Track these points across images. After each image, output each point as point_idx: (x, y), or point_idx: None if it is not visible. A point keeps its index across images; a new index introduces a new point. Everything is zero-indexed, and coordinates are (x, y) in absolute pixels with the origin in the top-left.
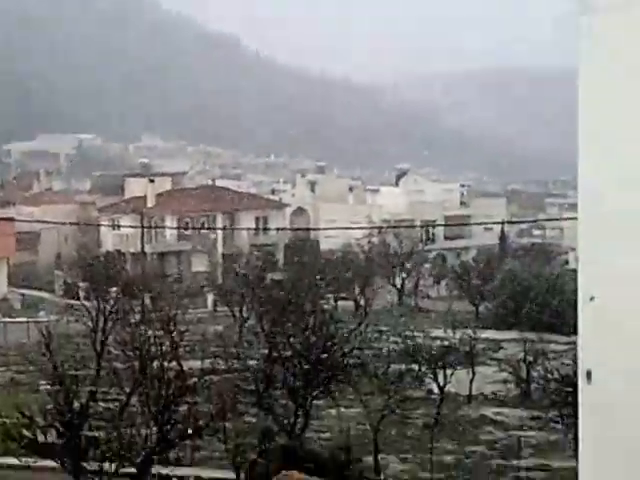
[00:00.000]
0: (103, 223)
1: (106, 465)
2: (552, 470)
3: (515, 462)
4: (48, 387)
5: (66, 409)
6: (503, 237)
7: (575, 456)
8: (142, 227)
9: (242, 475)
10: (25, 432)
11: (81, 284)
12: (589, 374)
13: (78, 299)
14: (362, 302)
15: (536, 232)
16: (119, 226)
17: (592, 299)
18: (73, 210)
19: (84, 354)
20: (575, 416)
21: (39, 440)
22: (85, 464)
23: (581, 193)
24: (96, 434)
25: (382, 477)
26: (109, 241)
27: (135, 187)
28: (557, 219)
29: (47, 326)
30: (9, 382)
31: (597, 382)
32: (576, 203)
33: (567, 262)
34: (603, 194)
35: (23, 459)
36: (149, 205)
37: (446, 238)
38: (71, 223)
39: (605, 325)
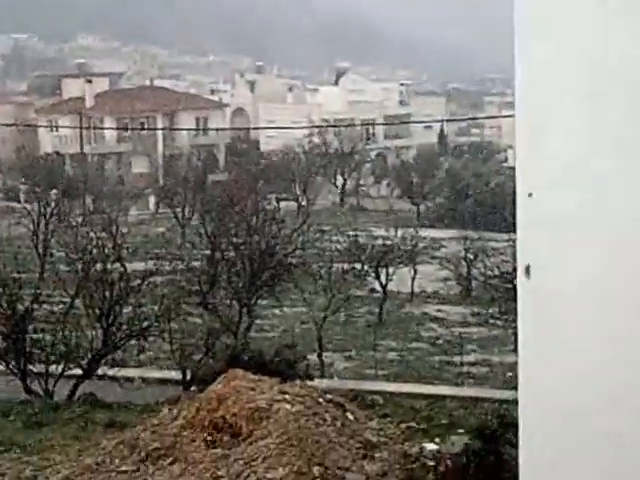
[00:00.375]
0: (41, 124)
1: (52, 367)
2: (493, 365)
3: (457, 358)
4: None
5: (10, 312)
6: (442, 136)
7: (515, 351)
8: (81, 128)
9: (188, 375)
10: None
11: (21, 186)
12: (528, 269)
13: (19, 202)
14: (304, 202)
15: (475, 131)
16: (57, 127)
17: (530, 195)
18: (10, 111)
19: (26, 257)
20: (515, 312)
21: None
22: (31, 366)
23: (518, 90)
24: (41, 337)
25: (327, 375)
26: (48, 143)
27: (73, 88)
28: (495, 117)
29: None
30: None
31: (536, 277)
32: (513, 101)
33: (506, 160)
34: (539, 91)
35: None
36: (88, 106)
37: (386, 137)
38: (8, 124)
39: (543, 221)
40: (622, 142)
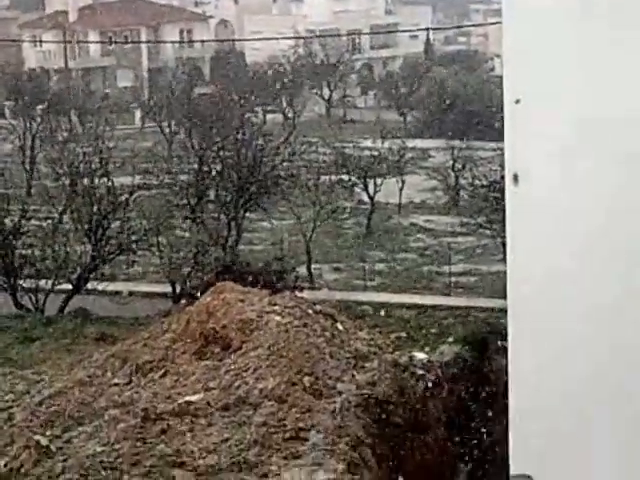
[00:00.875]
0: (25, 39)
1: (42, 282)
2: (482, 275)
3: (446, 268)
4: None
5: None
6: (429, 45)
7: (504, 260)
8: (65, 42)
9: (177, 288)
10: None
11: (6, 103)
12: (516, 177)
13: (4, 118)
14: (290, 114)
15: (461, 39)
16: (41, 42)
17: (517, 102)
18: None
19: (13, 173)
20: (503, 221)
21: None
22: (20, 282)
23: None
24: (30, 252)
25: (316, 286)
26: (32, 58)
27: (56, 1)
28: (481, 24)
29: None
30: None
31: (524, 185)
32: (500, 9)
33: (493, 69)
34: None
35: None
36: (71, 20)
37: (372, 48)
38: None
39: (530, 127)
40: (610, 48)
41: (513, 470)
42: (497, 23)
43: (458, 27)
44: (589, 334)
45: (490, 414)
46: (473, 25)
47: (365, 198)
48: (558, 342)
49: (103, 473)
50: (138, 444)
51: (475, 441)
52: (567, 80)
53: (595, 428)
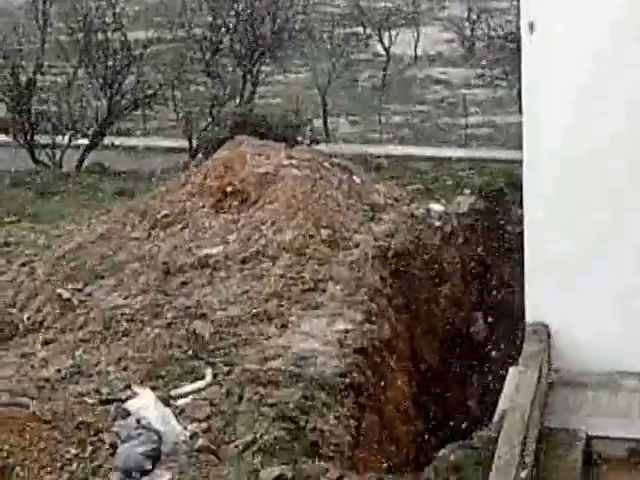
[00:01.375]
0: None
1: (59, 138)
2: (498, 126)
3: (462, 120)
4: None
5: (13, 83)
6: None
7: (520, 111)
8: None
9: (194, 143)
10: None
11: None
12: (532, 25)
13: None
14: None
15: None
16: None
17: None
18: None
19: (26, 28)
20: (519, 72)
21: None
22: (38, 138)
23: None
24: (46, 108)
25: (333, 139)
26: None
27: None
28: None
29: None
30: None
31: (539, 33)
32: None
33: None
34: None
35: None
36: None
37: None
38: None
39: None
40: None
41: (529, 319)
42: None
43: None
44: (601, 186)
45: (506, 263)
46: None
47: (380, 50)
48: (572, 192)
49: (125, 325)
50: (159, 296)
51: (491, 291)
52: None
53: (604, 276)
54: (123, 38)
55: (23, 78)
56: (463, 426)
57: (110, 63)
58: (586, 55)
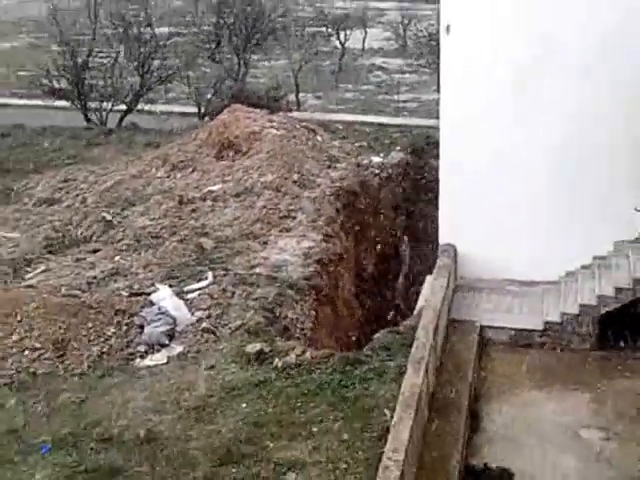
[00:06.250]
0: None
1: (104, 104)
2: (422, 102)
3: (396, 96)
4: (57, 48)
5: (71, 63)
6: None
7: (438, 90)
8: None
9: (202, 109)
10: (44, 81)
11: None
12: (448, 28)
13: None
14: None
15: None
16: None
17: None
18: None
19: (82, 24)
20: (438, 62)
21: (55, 86)
22: (89, 103)
23: None
24: (95, 82)
25: (302, 109)
26: None
27: None
28: None
29: (53, 3)
30: (28, 45)
31: (454, 34)
32: None
33: None
34: None
35: (45, 101)
36: None
37: None
38: None
39: None
40: None
41: (441, 241)
42: None
43: None
44: (499, 150)
45: (425, 200)
46: None
47: (338, 45)
48: (471, 146)
49: (150, 240)
50: (175, 220)
51: (415, 220)
52: None
53: (493, 210)
54: (152, 32)
55: (79, 60)
56: (391, 317)
57: (142, 50)
58: (485, 48)
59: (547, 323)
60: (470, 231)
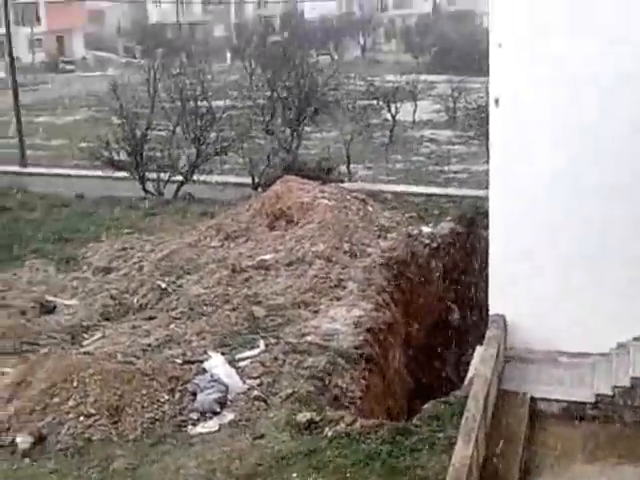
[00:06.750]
0: (148, 0)
1: (162, 175)
2: (471, 172)
3: (445, 167)
4: (117, 121)
5: (131, 136)
6: (436, 5)
7: (487, 162)
8: (177, 2)
9: (256, 180)
10: (104, 152)
11: (137, 47)
12: (497, 101)
13: (135, 58)
14: (336, 56)
15: (459, 1)
16: (160, 2)
17: (500, 46)
18: None
19: (141, 98)
20: (487, 134)
21: (114, 158)
22: (147, 174)
23: None
24: (153, 153)
25: (353, 179)
26: (154, 14)
27: None
28: None
29: (114, 78)
30: (90, 118)
31: (503, 107)
32: None
33: (482, 23)
34: None
35: (104, 172)
36: None
37: (395, 7)
38: (126, 1)
39: (509, 65)
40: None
41: (491, 311)
42: None
43: None
44: (550, 222)
45: (475, 270)
46: None
47: (389, 117)
48: (523, 219)
49: (204, 307)
50: (228, 288)
51: (464, 290)
52: (543, 30)
53: (544, 281)
54: (208, 105)
55: (138, 132)
56: (442, 388)
57: (199, 123)
58: (533, 122)
59: (598, 395)
60: (520, 302)
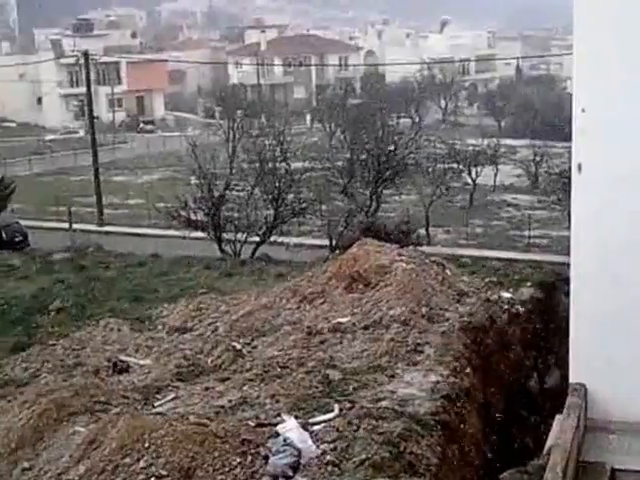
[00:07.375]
0: (229, 62)
1: (239, 235)
2: (552, 238)
3: (526, 232)
4: (196, 181)
5: (209, 196)
6: (518, 70)
7: (569, 227)
8: (257, 65)
9: (334, 242)
10: (182, 212)
11: (216, 108)
12: (580, 167)
13: (214, 118)
14: (417, 119)
15: (542, 66)
16: (241, 65)
17: (583, 111)
18: (208, 54)
19: (220, 158)
20: (569, 199)
21: (192, 218)
22: (224, 235)
23: (575, 36)
24: (231, 214)
25: (432, 243)
26: (234, 76)
27: (252, 36)
28: (559, 54)
29: (193, 138)
30: (169, 178)
31: (585, 172)
32: (572, 44)
33: (565, 88)
34: (592, 37)
35: (181, 232)
36: (262, 49)
37: (477, 72)
38: (207, 62)
39: (592, 131)
40: None
41: (571, 379)
42: (569, 54)
43: (541, 57)
44: (634, 292)
45: (556, 337)
46: (552, 55)
47: (469, 181)
48: (606, 287)
49: (278, 370)
50: (303, 351)
51: (544, 358)
52: (622, 96)
53: (627, 351)
54: (287, 167)
55: (216, 193)
56: (520, 456)
57: (277, 184)
58: (616, 188)
59: None
60: (601, 371)
